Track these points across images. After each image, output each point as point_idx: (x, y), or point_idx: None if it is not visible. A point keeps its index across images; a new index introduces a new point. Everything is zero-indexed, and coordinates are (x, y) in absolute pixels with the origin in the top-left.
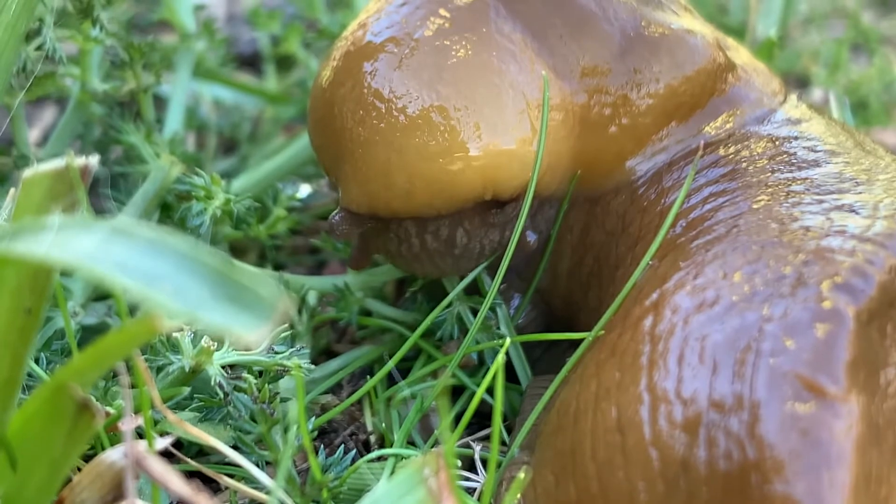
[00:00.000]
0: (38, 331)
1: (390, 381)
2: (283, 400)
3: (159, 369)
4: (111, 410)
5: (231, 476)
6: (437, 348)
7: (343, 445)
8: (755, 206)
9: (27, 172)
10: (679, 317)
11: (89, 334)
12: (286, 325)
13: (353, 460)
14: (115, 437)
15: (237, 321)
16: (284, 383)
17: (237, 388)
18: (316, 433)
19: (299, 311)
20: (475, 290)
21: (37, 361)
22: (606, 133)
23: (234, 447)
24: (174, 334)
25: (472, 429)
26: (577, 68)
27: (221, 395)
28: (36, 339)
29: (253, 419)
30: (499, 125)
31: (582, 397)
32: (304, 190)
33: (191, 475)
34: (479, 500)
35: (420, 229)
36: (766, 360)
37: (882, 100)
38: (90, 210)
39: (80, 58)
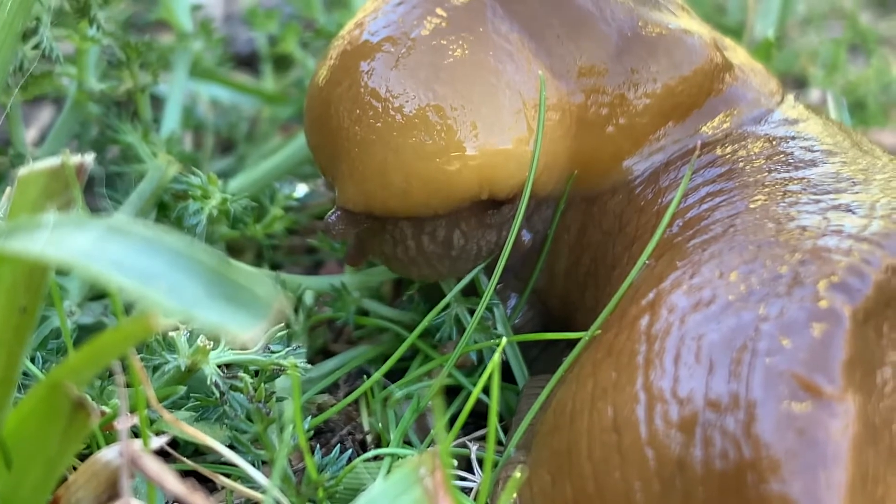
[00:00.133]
0: (33, 329)
1: (387, 380)
2: (280, 399)
3: (155, 368)
4: (107, 409)
5: (227, 475)
6: (434, 348)
7: (339, 445)
8: (752, 206)
9: (23, 171)
10: (675, 316)
11: (85, 333)
12: (282, 324)
13: (350, 460)
14: (110, 437)
15: (233, 320)
16: (281, 383)
17: (233, 388)
18: (312, 433)
19: (296, 311)
20: (472, 291)
21: (32, 360)
22: (603, 133)
23: (230, 446)
24: (170, 333)
25: (468, 428)
26: (574, 68)
27: (217, 395)
28: (31, 337)
29: (249, 418)
30: (495, 125)
31: (578, 397)
32: (301, 189)
33: (186, 474)
34: (475, 499)
35: (416, 230)
36: (763, 360)
37: (879, 100)
38: (86, 209)
39: (77, 57)
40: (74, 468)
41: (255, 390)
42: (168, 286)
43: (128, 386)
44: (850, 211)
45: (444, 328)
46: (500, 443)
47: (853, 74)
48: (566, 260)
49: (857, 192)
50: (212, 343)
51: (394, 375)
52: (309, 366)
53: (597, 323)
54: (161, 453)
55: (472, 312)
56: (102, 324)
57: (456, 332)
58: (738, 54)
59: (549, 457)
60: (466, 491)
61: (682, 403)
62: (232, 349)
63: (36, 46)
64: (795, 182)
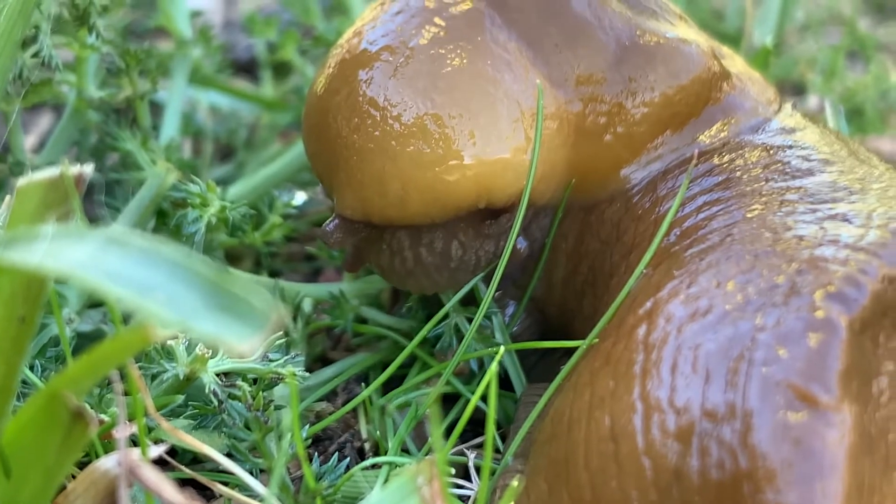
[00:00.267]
0: (31, 339)
1: (385, 388)
2: (278, 407)
3: (153, 377)
4: (105, 418)
5: (225, 484)
6: (432, 356)
7: (337, 453)
8: (749, 215)
9: (21, 181)
10: (672, 326)
11: (84, 341)
12: (281, 332)
13: (348, 468)
14: (109, 445)
15: (230, 331)
16: (279, 391)
17: (231, 396)
18: (310, 441)
19: (294, 319)
20: (471, 299)
21: (31, 368)
22: (601, 141)
23: (229, 455)
24: (169, 342)
25: (466, 436)
26: (571, 77)
27: (216, 403)
28: (30, 346)
29: (247, 427)
30: (493, 134)
31: (576, 406)
32: (300, 197)
33: (185, 483)
34: None
35: (414, 241)
36: (759, 370)
37: (878, 107)
38: (85, 217)
39: (77, 65)
40: (73, 477)
41: (254, 399)
42: (166, 297)
43: (126, 394)
44: (846, 220)
45: (444, 338)
46: (497, 451)
47: (851, 81)
48: (564, 268)
49: (853, 202)
50: (210, 352)
51: (392, 383)
52: (307, 374)
53: (594, 332)
54: (159, 462)
55: (470, 321)
56: (101, 331)
57: (455, 341)
58: (735, 63)
59: (546, 465)
60: (464, 499)
61: (679, 413)
62: (230, 358)
63: (35, 54)
64: (792, 191)
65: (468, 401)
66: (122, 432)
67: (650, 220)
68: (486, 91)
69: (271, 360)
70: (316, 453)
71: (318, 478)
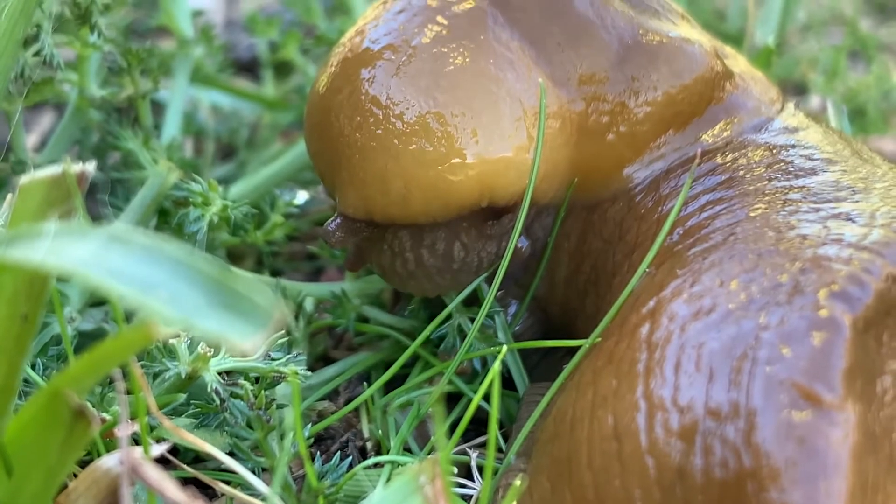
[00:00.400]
0: (34, 337)
1: (387, 387)
2: (280, 406)
3: (155, 375)
4: (107, 417)
5: (227, 483)
6: (434, 355)
7: (339, 452)
8: (752, 215)
9: (24, 179)
10: (676, 325)
11: (86, 340)
12: (283, 331)
13: (350, 467)
14: (111, 444)
15: (233, 329)
16: (281, 390)
17: (233, 395)
18: (312, 440)
19: (296, 318)
20: (473, 299)
21: (33, 367)
22: (604, 141)
23: (231, 454)
24: (171, 341)
25: (468, 436)
26: (574, 76)
27: (218, 402)
28: (32, 345)
29: (249, 426)
30: (495, 133)
31: (578, 405)
32: (302, 196)
33: (187, 482)
34: None
35: (415, 242)
36: (763, 368)
37: (880, 107)
38: (87, 216)
39: (78, 64)
40: (75, 475)
41: (256, 397)
42: (168, 295)
43: (128, 393)
44: (850, 220)
45: (448, 339)
46: (500, 450)
47: (853, 81)
48: (566, 268)
49: (857, 201)
50: (212, 350)
51: (394, 382)
52: (309, 373)
53: (597, 331)
54: (161, 460)
55: (473, 321)
56: (103, 330)
57: (459, 342)
58: (738, 62)
59: (549, 464)
60: (466, 498)
61: (683, 412)
62: (232, 356)
63: (37, 53)
64: (796, 190)
65: (470, 400)
66: (123, 431)
67: (653, 219)
68: (489, 90)
69: (273, 359)
70: (318, 452)
71: (321, 477)
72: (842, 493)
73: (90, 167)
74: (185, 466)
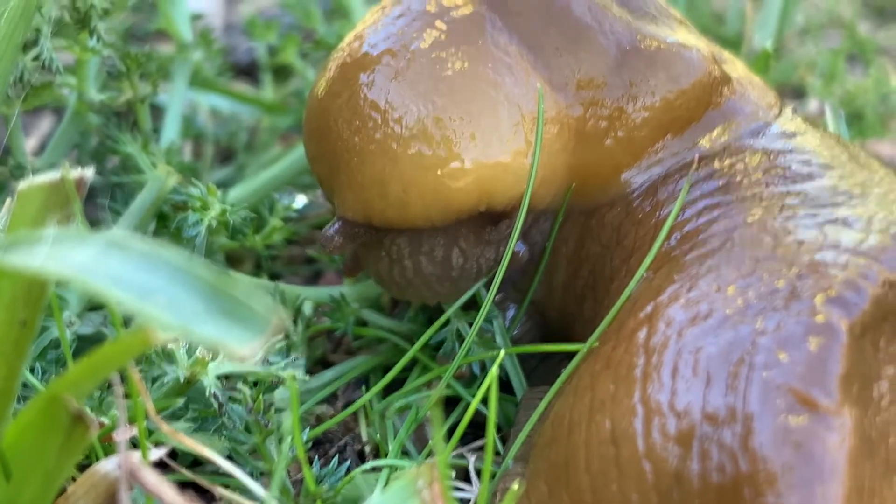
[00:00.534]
0: (32, 342)
1: (386, 391)
2: (278, 410)
3: (154, 380)
4: (105, 421)
5: (225, 487)
6: (433, 359)
7: (338, 456)
8: (749, 220)
9: (22, 185)
10: (673, 329)
11: (85, 343)
12: (281, 335)
13: (348, 471)
14: (109, 448)
15: (231, 335)
16: (279, 394)
17: (232, 399)
18: (310, 443)
19: (295, 322)
20: (471, 303)
21: (32, 371)
22: (602, 146)
23: (229, 458)
24: (169, 345)
25: (466, 439)
26: (572, 81)
27: (216, 406)
28: (31, 350)
29: (247, 430)
30: (494, 137)
31: (576, 409)
32: (301, 200)
33: (185, 486)
34: None
35: (414, 248)
36: (760, 373)
37: (878, 111)
38: (86, 221)
39: (77, 68)
40: (73, 480)
41: (254, 401)
42: (167, 301)
43: (127, 397)
44: (847, 225)
45: (447, 344)
46: (498, 454)
47: (851, 84)
48: (564, 272)
49: (854, 206)
50: (210, 355)
51: (392, 386)
52: (307, 377)
53: (595, 335)
54: (159, 464)
55: (472, 325)
56: (102, 334)
57: (457, 346)
58: (736, 67)
59: (546, 469)
60: (464, 502)
61: (680, 416)
62: (231, 361)
63: (36, 57)
64: (793, 196)
65: (468, 404)
66: (122, 435)
67: (650, 224)
68: (488, 94)
69: (272, 364)
70: (316, 456)
71: (319, 481)
72: (838, 498)
73: (89, 172)
74: (183, 470)
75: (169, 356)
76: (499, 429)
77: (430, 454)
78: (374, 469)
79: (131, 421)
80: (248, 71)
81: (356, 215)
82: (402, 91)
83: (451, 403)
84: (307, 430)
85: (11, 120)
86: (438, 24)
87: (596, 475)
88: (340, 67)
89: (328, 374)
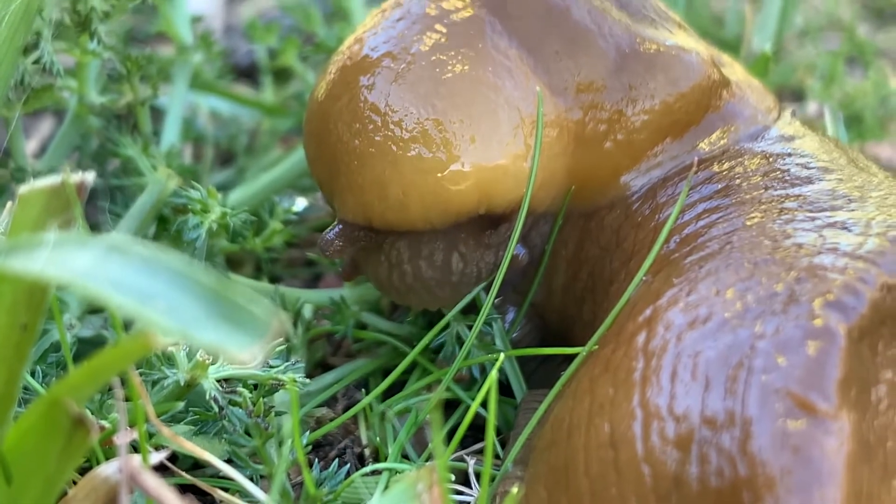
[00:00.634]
0: (33, 346)
1: (385, 394)
2: (278, 414)
3: (154, 383)
4: (106, 424)
5: (225, 490)
6: (433, 362)
7: (338, 459)
8: (748, 223)
9: (23, 188)
10: (672, 333)
11: (85, 346)
12: (281, 338)
13: (348, 474)
14: (110, 451)
15: (231, 339)
16: (279, 397)
17: (232, 402)
18: (310, 447)
19: (295, 325)
20: (471, 306)
21: (32, 374)
22: (601, 149)
23: (229, 461)
24: (169, 348)
25: (466, 443)
26: (572, 84)
27: (216, 409)
28: (31, 353)
29: (247, 433)
30: (494, 140)
31: (575, 413)
32: (301, 203)
33: (185, 489)
34: None
35: (413, 253)
36: (758, 377)
37: (877, 113)
38: (86, 224)
39: (78, 70)
40: (74, 483)
41: (254, 405)
42: (167, 306)
43: (127, 400)
44: (845, 228)
45: (447, 348)
46: (497, 457)
47: (851, 87)
48: (564, 275)
49: (852, 210)
50: (210, 358)
51: (392, 389)
52: (307, 380)
53: (594, 338)
54: (160, 468)
55: (471, 329)
56: (102, 337)
57: (458, 350)
58: (735, 70)
59: (546, 472)
60: None
61: (679, 420)
62: (231, 364)
63: (37, 60)
64: (792, 199)
65: (468, 407)
66: (122, 438)
67: (650, 227)
68: (488, 97)
69: (272, 367)
70: (316, 459)
71: (319, 484)
72: (836, 502)
73: (89, 176)
74: (183, 474)
75: (169, 360)
76: (498, 432)
77: (429, 457)
78: (374, 472)
79: (132, 424)
80: (248, 73)
81: (356, 218)
82: (402, 94)
83: (450, 406)
84: (307, 433)
85: (12, 123)
86: (438, 27)
87: (595, 479)
88: (340, 70)
89: (328, 378)
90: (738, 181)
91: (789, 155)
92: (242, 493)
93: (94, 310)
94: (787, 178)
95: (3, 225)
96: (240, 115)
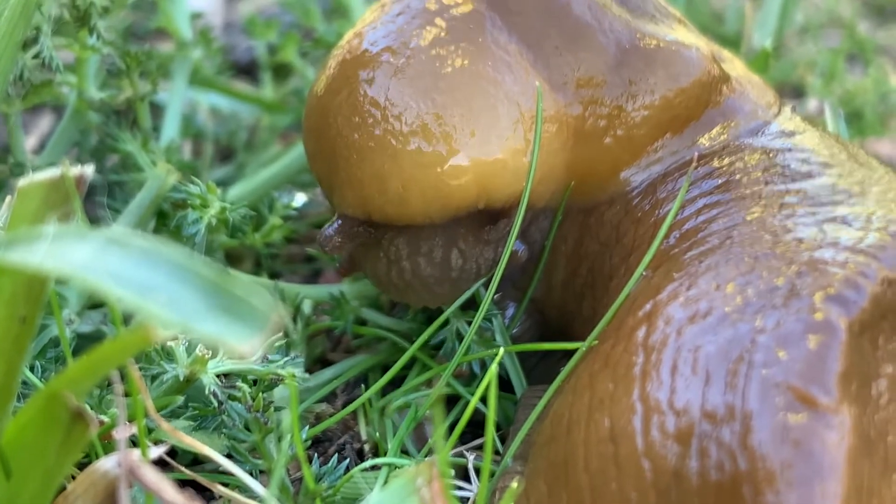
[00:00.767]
0: (32, 339)
1: (385, 389)
2: (278, 409)
3: (154, 378)
4: (105, 419)
5: (225, 485)
6: (432, 357)
7: (337, 454)
8: (749, 218)
9: (22, 182)
10: (672, 328)
11: (84, 342)
12: (281, 334)
13: (347, 469)
14: (109, 446)
15: (230, 332)
16: (279, 392)
17: (231, 397)
18: (310, 442)
19: (294, 320)
20: (470, 303)
21: (31, 369)
22: (601, 144)
23: (228, 456)
24: (169, 343)
25: (465, 438)
26: (571, 80)
27: (216, 404)
28: (30, 347)
29: (247, 428)
30: (493, 135)
31: (575, 408)
32: (300, 198)
33: (184, 484)
34: None
35: (412, 249)
36: (759, 371)
37: (877, 110)
38: (85, 218)
39: (77, 66)
40: (73, 477)
41: (254, 400)
42: (167, 298)
43: (126, 395)
44: (846, 223)
45: (447, 344)
46: (497, 453)
47: (851, 84)
48: (563, 271)
49: (853, 205)
50: (210, 353)
51: (391, 385)
52: (307, 375)
53: (594, 334)
54: (159, 462)
55: (471, 324)
56: (101, 332)
57: (458, 346)
58: (735, 66)
59: (545, 467)
60: (463, 501)
61: (679, 415)
62: (230, 359)
63: (36, 55)
64: (792, 194)
65: (468, 402)
66: (122, 433)
67: (650, 223)
68: (487, 92)
69: (271, 362)
70: (315, 454)
71: (318, 479)
72: (837, 496)
73: (88, 170)
74: (182, 468)
75: (168, 354)
76: (498, 427)
77: (429, 452)
78: (374, 467)
79: (131, 419)
80: (247, 69)
81: (356, 212)
82: (401, 88)
83: (450, 402)
84: (306, 428)
85: (11, 118)
86: (438, 21)
87: (595, 473)
88: (340, 65)
89: (327, 373)
90: (738, 176)
91: (790, 150)
92: (242, 488)
93: (93, 305)
94: (788, 173)
95: (2, 219)
96: (239, 112)
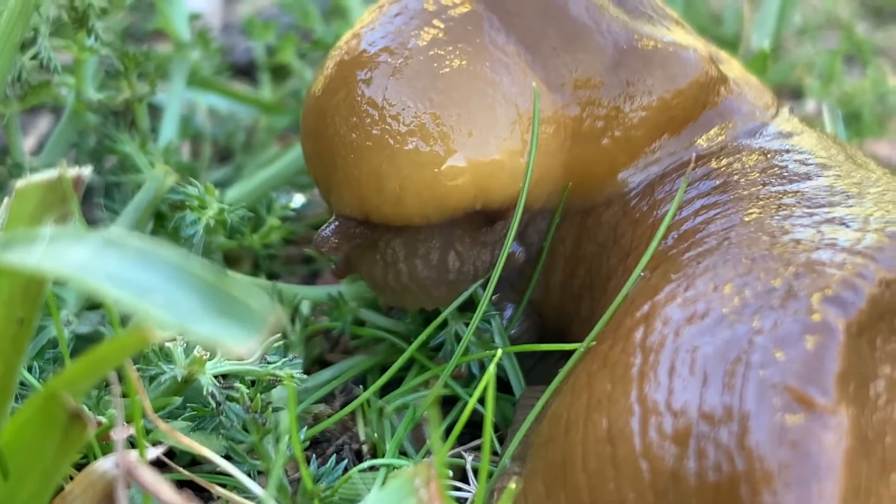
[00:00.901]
0: (30, 340)
1: (383, 390)
2: (276, 409)
3: (151, 379)
4: (103, 420)
5: (223, 486)
6: (431, 358)
7: (335, 455)
8: (746, 219)
9: (20, 183)
10: (670, 329)
11: (82, 343)
12: (279, 334)
13: (346, 470)
14: (107, 447)
15: (228, 333)
16: (277, 393)
17: (229, 398)
18: (308, 443)
19: (292, 321)
20: (468, 304)
21: (29, 370)
22: (599, 145)
23: (226, 457)
24: (167, 344)
25: (463, 439)
26: (569, 81)
27: (213, 405)
28: (28, 348)
29: (245, 429)
30: (490, 135)
31: (573, 408)
32: (298, 199)
33: (182, 484)
34: None
35: (409, 252)
36: (756, 372)
37: (875, 111)
38: (83, 220)
39: (75, 67)
40: (71, 478)
41: (252, 401)
42: (164, 299)
43: (124, 396)
44: (843, 224)
45: (446, 346)
46: (495, 453)
47: (849, 85)
48: (561, 272)
49: (850, 206)
50: (208, 353)
51: (390, 385)
52: (305, 376)
53: (592, 335)
54: (157, 463)
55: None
56: (99, 333)
57: (455, 346)
58: (733, 67)
59: (543, 468)
60: (461, 501)
61: (676, 415)
62: (228, 360)
63: (34, 57)
64: (790, 195)
65: (466, 403)
66: (119, 434)
67: (647, 224)
68: (485, 92)
69: (269, 363)
70: (314, 455)
71: (316, 480)
72: (835, 497)
73: (86, 171)
74: (180, 469)
75: (166, 355)
76: (496, 428)
77: (427, 453)
78: (372, 468)
79: (129, 419)
80: (246, 71)
81: (353, 212)
82: (399, 88)
83: (448, 403)
84: (305, 429)
85: (10, 119)
86: (436, 22)
87: (593, 474)
88: (338, 65)
89: (326, 374)
90: (735, 177)
91: (787, 151)
92: (240, 489)
93: (91, 306)
94: (785, 174)
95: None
96: (237, 113)
